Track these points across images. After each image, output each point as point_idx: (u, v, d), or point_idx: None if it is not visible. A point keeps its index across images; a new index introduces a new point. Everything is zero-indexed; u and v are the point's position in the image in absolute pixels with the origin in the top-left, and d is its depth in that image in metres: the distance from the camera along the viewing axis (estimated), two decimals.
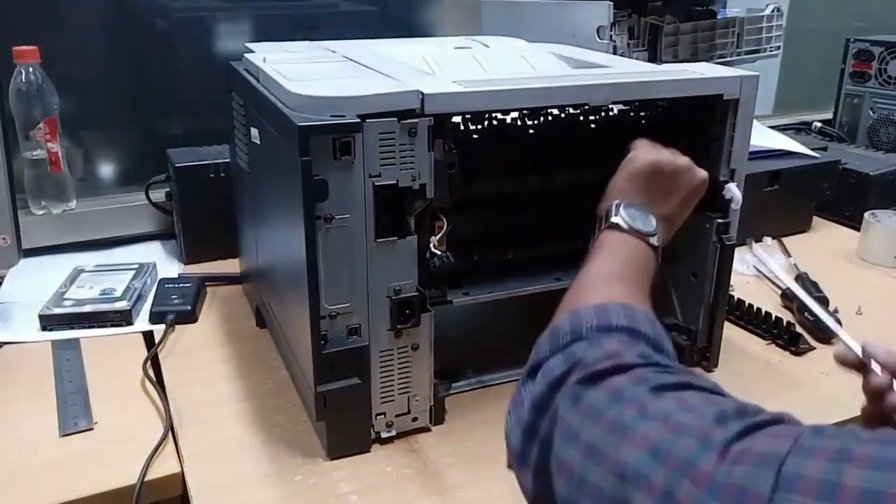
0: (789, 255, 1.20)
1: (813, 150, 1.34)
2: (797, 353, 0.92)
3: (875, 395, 0.58)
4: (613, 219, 0.63)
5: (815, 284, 1.07)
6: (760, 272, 1.13)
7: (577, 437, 0.43)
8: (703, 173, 0.71)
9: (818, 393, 0.85)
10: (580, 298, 0.54)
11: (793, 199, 1.28)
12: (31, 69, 1.09)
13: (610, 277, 0.58)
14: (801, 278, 1.09)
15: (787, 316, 0.99)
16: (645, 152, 0.69)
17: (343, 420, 0.72)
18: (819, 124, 1.70)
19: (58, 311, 0.95)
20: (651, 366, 0.45)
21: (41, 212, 1.15)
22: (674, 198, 0.69)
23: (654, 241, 0.63)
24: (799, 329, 0.95)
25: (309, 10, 1.41)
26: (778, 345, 0.94)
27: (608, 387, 0.44)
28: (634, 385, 0.43)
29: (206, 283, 1.07)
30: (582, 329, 0.50)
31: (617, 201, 0.64)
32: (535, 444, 0.46)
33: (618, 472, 0.39)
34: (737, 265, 0.85)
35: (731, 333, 0.95)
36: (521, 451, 0.47)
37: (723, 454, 0.36)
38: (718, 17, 1.28)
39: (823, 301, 1.02)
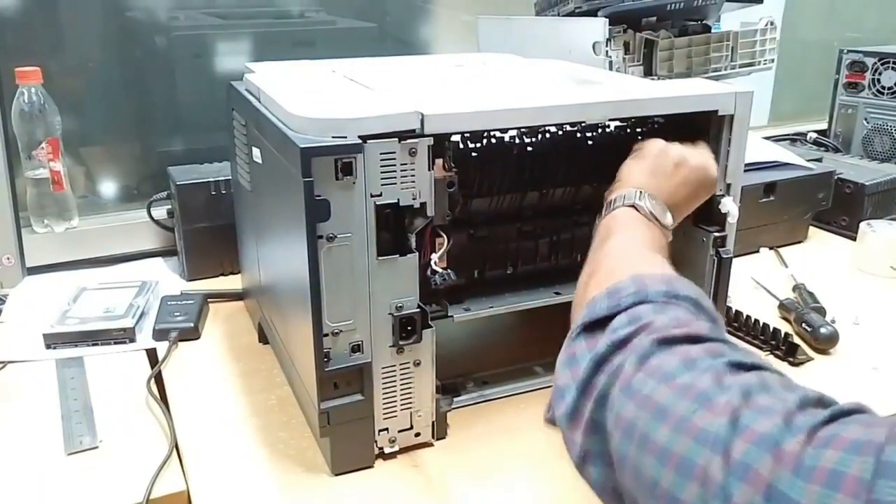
0: (786, 266, 1.21)
1: (808, 160, 1.35)
2: (795, 364, 0.93)
3: None
4: (637, 201, 0.65)
5: (812, 295, 1.08)
6: (758, 283, 1.14)
7: (642, 394, 0.42)
8: (713, 171, 0.74)
9: None
10: (625, 265, 0.54)
11: (789, 210, 1.30)
12: (33, 90, 1.10)
13: (645, 248, 0.59)
14: (799, 289, 1.10)
15: (784, 326, 0.99)
16: (655, 139, 0.74)
17: (346, 436, 0.72)
18: (814, 135, 1.72)
19: (61, 329, 0.96)
20: (722, 342, 0.45)
21: (44, 230, 1.16)
22: (681, 189, 0.71)
23: (669, 234, 0.66)
24: (797, 340, 0.96)
25: (307, 28, 1.43)
26: (776, 356, 0.95)
27: (681, 353, 0.43)
28: (710, 357, 0.43)
29: (209, 300, 1.08)
30: (647, 292, 0.49)
31: (640, 190, 0.66)
32: (590, 400, 0.46)
33: (692, 434, 0.39)
34: (733, 276, 0.86)
35: None
36: (573, 407, 0.47)
37: (810, 437, 0.36)
38: (712, 31, 1.29)
39: (821, 311, 1.02)
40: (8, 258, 0.94)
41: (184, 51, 1.31)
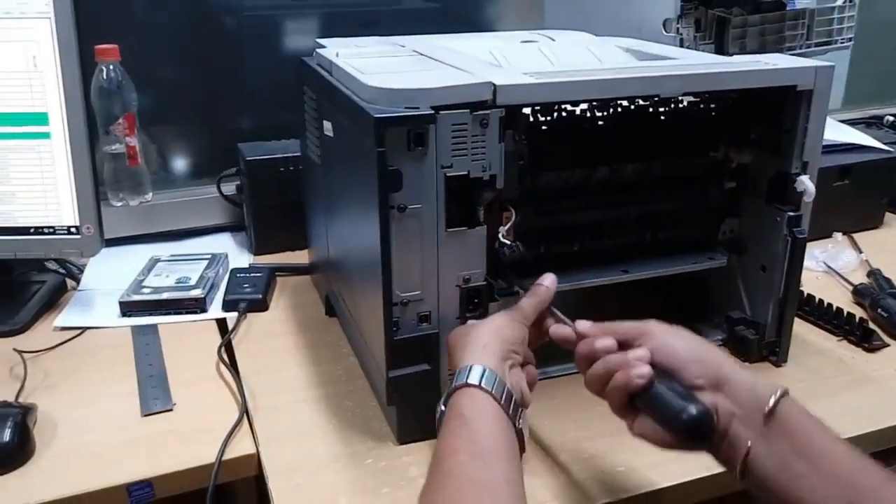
0: (860, 252, 1.17)
1: (885, 144, 1.30)
2: (870, 350, 0.90)
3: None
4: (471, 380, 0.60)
5: (888, 280, 1.04)
6: (830, 268, 1.11)
7: None
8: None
9: (893, 389, 0.83)
10: None
11: (864, 195, 1.25)
12: (111, 66, 1.13)
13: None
14: (874, 274, 1.07)
15: (858, 312, 0.96)
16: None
17: (412, 405, 0.73)
18: (891, 118, 1.65)
19: (136, 298, 1.00)
20: None
21: (119, 204, 1.20)
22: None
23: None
24: (872, 325, 0.93)
25: (372, 7, 1.44)
26: (850, 341, 0.92)
27: None
28: None
29: (276, 273, 1.10)
30: None
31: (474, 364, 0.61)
32: None
33: None
34: (806, 261, 0.84)
35: (801, 329, 0.94)
36: None
37: None
38: (787, 8, 1.25)
39: None
40: (88, 227, 0.98)
41: (252, 30, 1.33)
